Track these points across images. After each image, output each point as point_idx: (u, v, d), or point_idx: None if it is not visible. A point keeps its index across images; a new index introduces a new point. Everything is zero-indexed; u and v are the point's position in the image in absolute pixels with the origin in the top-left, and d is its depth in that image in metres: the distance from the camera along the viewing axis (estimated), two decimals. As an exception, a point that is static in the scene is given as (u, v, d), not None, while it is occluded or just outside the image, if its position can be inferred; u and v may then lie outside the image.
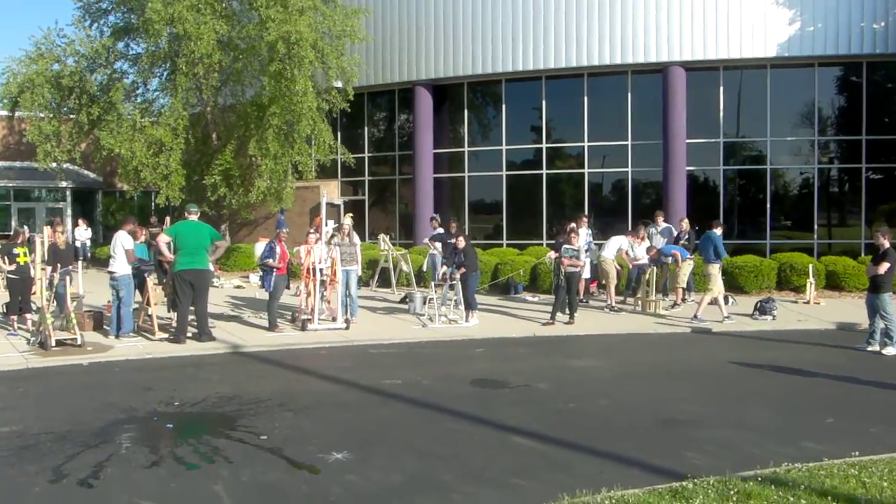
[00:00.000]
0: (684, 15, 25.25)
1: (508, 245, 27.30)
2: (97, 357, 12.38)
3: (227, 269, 27.23)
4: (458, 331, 15.37)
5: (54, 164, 27.48)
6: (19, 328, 14.52)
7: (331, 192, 29.86)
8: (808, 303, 19.13)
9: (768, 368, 11.91)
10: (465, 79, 28.22)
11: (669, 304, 18.42)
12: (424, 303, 17.18)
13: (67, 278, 14.16)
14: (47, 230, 14.30)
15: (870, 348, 13.47)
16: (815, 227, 25.99)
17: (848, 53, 24.84)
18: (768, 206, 26.13)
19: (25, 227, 18.46)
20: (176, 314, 13.90)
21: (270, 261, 15.00)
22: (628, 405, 9.52)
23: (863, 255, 23.54)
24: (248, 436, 8.00)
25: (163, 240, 13.76)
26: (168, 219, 19.75)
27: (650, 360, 12.84)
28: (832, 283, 21.13)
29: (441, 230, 20.04)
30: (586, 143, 27.18)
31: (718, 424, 8.55)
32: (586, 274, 18.28)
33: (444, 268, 16.66)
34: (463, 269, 16.09)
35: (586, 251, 18.01)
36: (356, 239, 16.44)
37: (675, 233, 20.09)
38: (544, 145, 27.84)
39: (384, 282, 22.61)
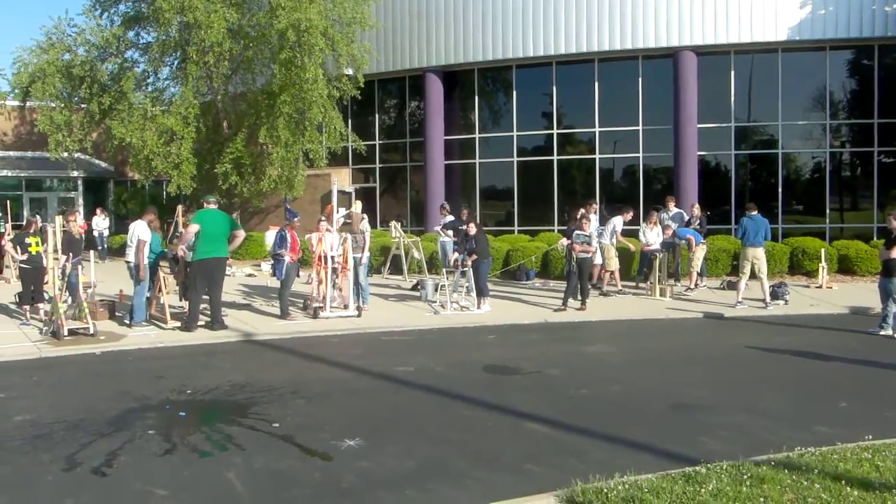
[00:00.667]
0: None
1: (520, 231, 27.25)
2: (110, 346, 12.38)
3: (238, 258, 27.25)
4: (470, 317, 15.33)
5: (65, 154, 27.60)
6: (32, 318, 14.52)
7: (342, 179, 29.95)
8: (820, 287, 19.03)
9: (781, 353, 11.84)
10: (476, 65, 28.15)
11: (682, 289, 18.35)
12: (436, 290, 17.13)
13: (80, 267, 14.15)
14: (59, 219, 14.30)
15: (883, 332, 13.38)
16: (827, 211, 25.88)
17: (859, 36, 24.68)
18: (780, 190, 26.01)
19: (37, 217, 18.52)
20: (188, 302, 13.90)
21: (283, 252, 14.94)
22: (640, 390, 9.48)
23: (875, 238, 23.49)
24: (260, 423, 7.99)
25: (192, 229, 13.63)
26: (180, 207, 19.71)
27: (662, 346, 12.79)
28: (844, 267, 21.03)
29: (451, 217, 20.05)
30: (597, 129, 27.11)
31: (731, 409, 8.50)
32: (598, 260, 18.20)
33: (456, 254, 16.61)
34: (474, 256, 16.04)
35: (598, 237, 17.96)
36: (364, 226, 16.38)
37: (686, 218, 20.02)
38: (555, 131, 27.77)
39: (396, 269, 22.56)
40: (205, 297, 13.76)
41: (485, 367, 10.85)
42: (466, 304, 16.40)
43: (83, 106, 27.41)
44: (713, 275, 20.50)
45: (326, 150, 27.60)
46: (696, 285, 18.59)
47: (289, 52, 24.02)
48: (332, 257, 15.21)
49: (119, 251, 26.00)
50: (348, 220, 16.63)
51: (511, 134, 28.23)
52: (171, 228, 18.78)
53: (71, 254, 14.25)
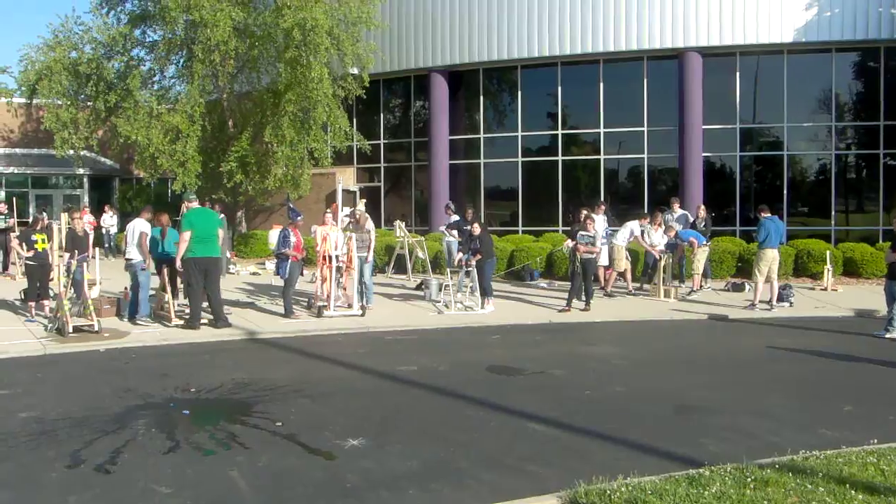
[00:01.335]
0: (700, 0, 25.02)
1: (524, 232, 27.20)
2: (114, 343, 12.40)
3: (243, 256, 27.35)
4: (474, 317, 15.34)
5: (71, 152, 27.68)
6: (37, 314, 14.57)
7: (347, 178, 29.89)
8: (825, 290, 18.99)
9: (786, 355, 11.82)
10: (481, 65, 28.10)
11: (686, 292, 18.37)
12: (440, 289, 17.12)
13: (85, 265, 14.19)
14: (65, 217, 14.33)
15: (888, 335, 13.33)
16: (833, 213, 25.78)
17: (865, 38, 24.56)
18: (785, 192, 25.92)
19: (44, 214, 18.55)
20: (189, 300, 13.95)
21: (287, 251, 14.94)
22: (644, 392, 9.47)
23: (881, 241, 23.40)
24: (263, 422, 8.00)
25: (186, 237, 13.51)
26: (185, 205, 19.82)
27: (667, 347, 12.79)
28: (850, 269, 20.98)
29: (456, 217, 20.00)
30: (602, 130, 27.06)
31: (735, 412, 8.49)
32: (604, 261, 18.18)
33: (460, 254, 16.63)
34: (479, 256, 16.05)
35: (604, 238, 17.94)
36: (370, 225, 16.39)
37: (691, 219, 19.99)
38: (560, 132, 27.72)
39: (400, 268, 22.60)
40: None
41: (488, 368, 10.85)
42: (470, 303, 16.42)
43: (89, 104, 27.48)
44: (717, 276, 20.50)
45: (331, 149, 27.61)
46: (700, 287, 18.56)
47: (294, 51, 24.03)
48: (337, 256, 15.20)
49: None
50: (353, 219, 16.59)
51: (516, 134, 28.19)
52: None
53: (76, 251, 14.27)
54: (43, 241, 14.75)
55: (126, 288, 14.85)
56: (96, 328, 13.00)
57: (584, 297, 16.28)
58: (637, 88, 26.51)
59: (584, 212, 17.25)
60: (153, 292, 14.79)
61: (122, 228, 30.97)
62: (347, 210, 16.83)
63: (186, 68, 26.99)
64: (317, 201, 29.17)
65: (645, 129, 26.59)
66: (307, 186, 27.65)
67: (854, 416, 8.37)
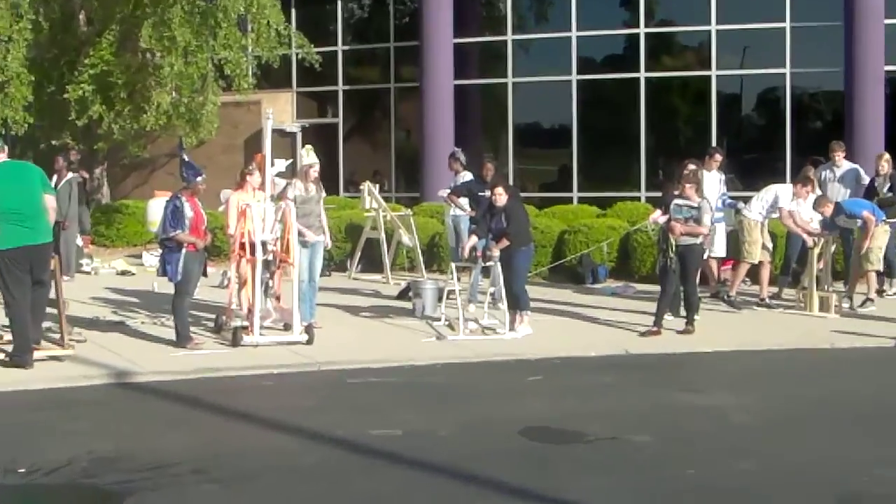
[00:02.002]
0: None
1: (581, 200, 27.16)
2: None
3: (105, 244, 27.21)
4: (499, 346, 15.15)
5: None
6: None
7: (281, 111, 29.73)
8: None
9: None
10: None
11: (859, 303, 18.22)
12: (440, 298, 16.92)
13: None
14: None
15: None
16: None
17: None
18: None
19: None
20: (9, 321, 13.61)
21: (178, 234, 14.79)
22: (787, 471, 9.30)
23: None
24: (140, 527, 7.92)
25: None
26: (60, 158, 20.03)
27: (822, 396, 12.58)
28: None
29: (468, 176, 19.71)
30: (713, 27, 27.11)
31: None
32: (718, 249, 18.14)
33: (474, 238, 16.38)
34: (506, 241, 15.82)
35: (718, 210, 17.78)
36: (320, 191, 16.38)
37: (865, 180, 19.97)
38: (642, 30, 27.78)
39: (372, 263, 22.45)
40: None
41: (524, 432, 10.66)
42: (492, 322, 16.32)
43: None
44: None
45: (255, 61, 27.63)
46: (879, 292, 18.50)
47: None
48: (265, 242, 15.05)
49: None
50: (301, 178, 16.38)
51: (568, 35, 28.16)
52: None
53: None
54: None
55: None
56: None
57: (683, 311, 16.28)
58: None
59: (689, 167, 17.05)
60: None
61: None
62: (282, 164, 16.67)
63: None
64: (228, 149, 29.25)
65: (786, 25, 26.62)
66: (213, 125, 27.61)
67: None
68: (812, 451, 10.09)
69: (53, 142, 27.01)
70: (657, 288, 16.91)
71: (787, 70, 26.86)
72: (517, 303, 15.97)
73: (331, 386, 13.07)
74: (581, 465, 9.65)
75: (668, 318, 16.17)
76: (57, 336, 13.91)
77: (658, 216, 16.75)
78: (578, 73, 28.21)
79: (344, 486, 8.95)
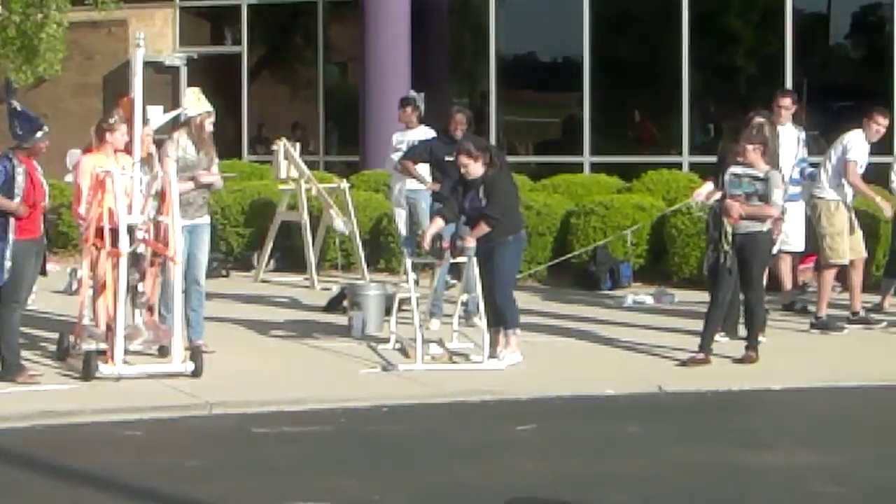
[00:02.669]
0: None
1: (596, 168, 24.99)
2: None
3: None
4: (473, 379, 13.51)
5: None
6: None
7: (156, 35, 28.32)
8: None
9: None
10: None
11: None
12: (388, 311, 15.08)
13: None
14: None
15: None
16: None
17: None
18: None
19: None
20: None
21: (10, 205, 13.16)
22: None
23: None
24: None
25: None
26: None
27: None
28: None
29: (427, 133, 17.77)
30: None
31: None
32: (795, 243, 16.03)
33: (439, 223, 14.28)
34: (485, 228, 13.71)
35: (795, 184, 15.68)
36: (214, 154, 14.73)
37: None
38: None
39: (288, 258, 21.22)
40: None
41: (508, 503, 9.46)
42: (464, 345, 14.58)
43: None
44: None
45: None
46: None
47: None
48: (133, 228, 13.34)
49: None
50: (173, 135, 14.76)
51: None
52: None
53: None
54: None
55: None
56: None
57: (742, 330, 14.31)
58: None
59: (757, 119, 14.69)
60: None
61: None
62: (160, 115, 15.75)
63: None
64: (81, 90, 27.82)
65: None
66: (57, 56, 25.63)
67: None
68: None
69: None
70: (705, 296, 15.19)
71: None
72: (501, 318, 14.27)
73: (227, 438, 11.69)
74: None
75: (720, 339, 14.37)
76: None
77: (707, 191, 15.48)
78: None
79: None
